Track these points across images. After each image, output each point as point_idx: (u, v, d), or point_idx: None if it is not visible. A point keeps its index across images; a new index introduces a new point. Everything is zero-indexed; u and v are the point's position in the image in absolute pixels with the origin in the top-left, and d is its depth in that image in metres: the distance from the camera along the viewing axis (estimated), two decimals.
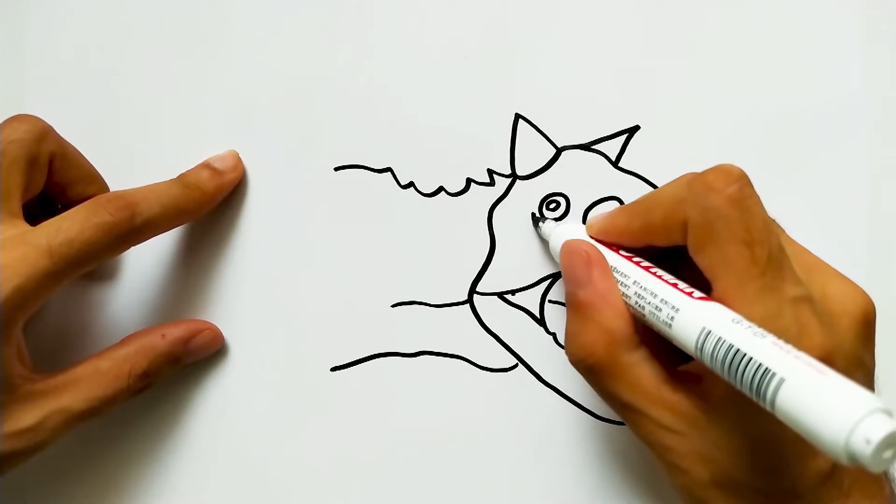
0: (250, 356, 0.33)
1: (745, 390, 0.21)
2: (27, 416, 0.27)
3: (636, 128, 0.32)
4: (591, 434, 0.32)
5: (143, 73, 0.34)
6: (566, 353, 0.27)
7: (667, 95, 0.32)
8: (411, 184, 0.33)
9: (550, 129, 0.32)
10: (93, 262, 0.28)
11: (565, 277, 0.28)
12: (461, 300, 0.32)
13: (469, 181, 0.33)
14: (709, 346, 0.22)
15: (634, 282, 0.26)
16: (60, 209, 0.29)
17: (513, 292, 0.32)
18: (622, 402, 0.25)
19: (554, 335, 0.32)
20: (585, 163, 0.32)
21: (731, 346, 0.22)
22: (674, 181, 0.26)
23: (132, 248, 0.33)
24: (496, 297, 0.32)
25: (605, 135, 0.32)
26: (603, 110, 0.32)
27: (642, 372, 0.25)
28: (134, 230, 0.28)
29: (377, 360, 0.33)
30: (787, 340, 0.22)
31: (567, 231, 0.30)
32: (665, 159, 0.32)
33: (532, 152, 0.32)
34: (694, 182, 0.24)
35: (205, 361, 0.33)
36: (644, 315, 0.25)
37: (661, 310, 0.25)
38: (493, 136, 0.32)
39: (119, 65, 0.34)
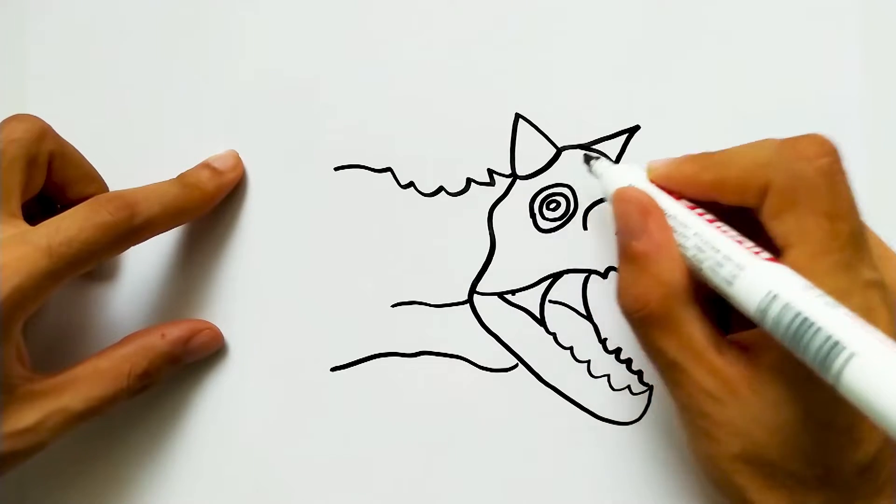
0: (250, 356, 0.33)
1: (809, 360, 0.20)
2: (27, 417, 0.27)
3: (636, 128, 0.32)
4: (592, 434, 0.32)
5: (142, 73, 0.34)
6: (618, 303, 0.26)
7: (667, 95, 0.32)
8: (411, 184, 0.33)
9: (550, 129, 0.32)
10: (92, 262, 0.28)
11: (619, 226, 0.26)
12: (461, 300, 0.32)
13: (469, 181, 0.32)
14: (773, 311, 0.21)
15: (695, 233, 0.25)
16: (60, 209, 0.29)
17: (513, 292, 0.32)
18: (668, 360, 0.25)
19: (554, 335, 0.32)
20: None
21: (798, 314, 0.21)
22: (757, 142, 0.25)
23: (132, 247, 0.33)
24: (496, 297, 0.32)
25: (605, 134, 0.32)
26: (603, 110, 0.32)
27: (694, 330, 0.24)
28: (133, 230, 0.28)
29: (377, 360, 0.33)
30: None
31: (623, 172, 0.28)
32: None
33: (532, 152, 0.32)
34: (783, 147, 0.24)
35: (204, 361, 0.33)
36: (701, 269, 0.24)
37: (722, 266, 0.23)
38: (493, 136, 0.32)
39: (119, 64, 0.34)
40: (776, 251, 0.24)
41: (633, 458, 0.31)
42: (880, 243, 0.25)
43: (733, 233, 0.24)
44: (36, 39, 0.35)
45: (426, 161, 0.33)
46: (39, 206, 0.32)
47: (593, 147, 0.32)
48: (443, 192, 0.33)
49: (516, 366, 0.32)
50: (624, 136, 0.32)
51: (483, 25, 0.32)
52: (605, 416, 0.32)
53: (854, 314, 0.20)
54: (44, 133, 0.30)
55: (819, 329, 0.20)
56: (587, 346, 0.32)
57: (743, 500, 0.24)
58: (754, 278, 0.22)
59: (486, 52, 0.32)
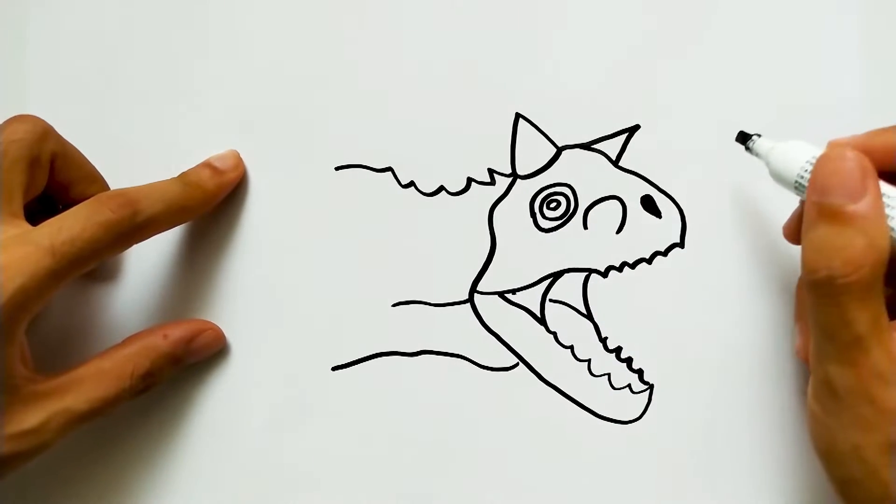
0: (251, 356, 0.33)
1: None
2: (30, 418, 0.27)
3: (636, 127, 0.32)
4: (592, 434, 0.32)
5: (143, 74, 0.34)
6: (811, 268, 0.24)
7: (667, 95, 0.32)
8: (412, 183, 0.33)
9: (551, 129, 0.32)
10: (95, 261, 0.28)
11: (826, 185, 0.24)
12: (462, 299, 0.33)
13: (469, 180, 0.32)
14: None
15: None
16: (61, 209, 0.29)
17: (513, 291, 0.32)
18: (856, 334, 0.23)
19: (555, 334, 0.32)
20: (586, 162, 0.32)
21: None
22: None
23: (133, 248, 0.33)
24: (497, 296, 0.32)
25: (606, 134, 0.32)
26: (603, 109, 0.32)
27: (882, 306, 0.24)
28: (136, 228, 0.28)
29: (378, 359, 0.33)
30: None
31: (796, 148, 0.27)
32: (665, 158, 0.32)
33: (532, 151, 0.32)
34: None
35: (206, 361, 0.33)
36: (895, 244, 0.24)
37: None
38: (493, 136, 0.32)
39: (119, 65, 0.34)
40: None
41: (633, 457, 0.32)
42: None
43: None
44: (36, 39, 0.34)
45: (427, 161, 0.33)
46: (41, 207, 0.32)
47: (593, 147, 0.32)
48: (443, 191, 0.33)
49: (517, 365, 0.32)
50: (624, 136, 0.32)
51: (483, 25, 0.32)
52: (606, 415, 0.32)
53: None
54: (46, 134, 0.30)
55: None
56: (587, 345, 0.32)
57: (886, 496, 0.24)
58: None
59: (487, 51, 0.32)
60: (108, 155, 0.33)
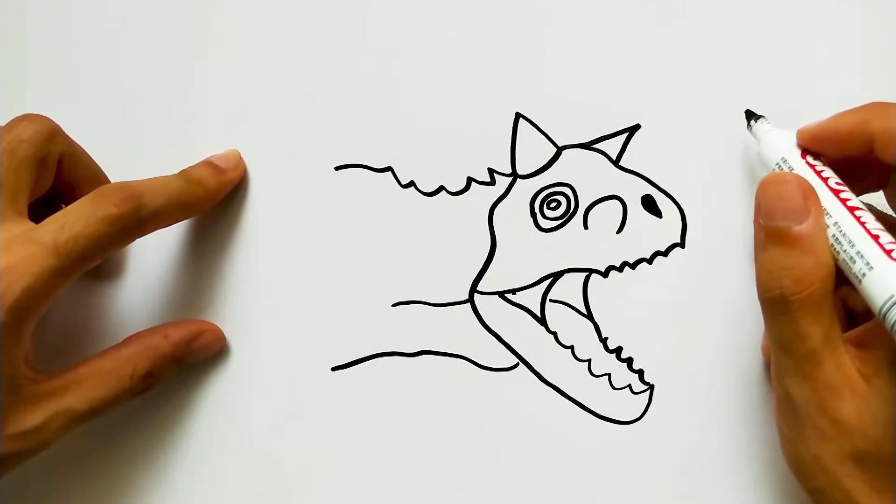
0: (251, 355, 0.33)
1: None
2: (31, 418, 0.28)
3: (637, 127, 0.32)
4: (592, 433, 0.32)
5: (144, 73, 0.34)
6: (765, 288, 0.25)
7: (667, 94, 0.32)
8: (412, 183, 0.33)
9: (551, 128, 0.32)
10: (100, 257, 0.28)
11: (771, 209, 0.25)
12: (462, 299, 0.33)
13: (470, 180, 0.32)
14: (892, 316, 0.22)
15: (835, 223, 0.25)
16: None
17: (513, 291, 0.32)
18: (809, 348, 0.24)
19: (555, 334, 0.32)
20: (586, 162, 0.32)
21: None
22: None
23: (134, 248, 0.33)
24: (497, 296, 0.32)
25: (606, 134, 0.32)
26: (603, 109, 0.32)
27: (834, 319, 0.24)
28: (140, 222, 0.28)
29: (378, 359, 0.33)
30: None
31: (778, 140, 0.28)
32: (666, 158, 0.32)
33: (533, 151, 0.32)
34: None
35: (207, 362, 0.33)
36: (837, 260, 0.25)
37: (854, 262, 0.24)
38: (493, 136, 0.32)
39: (119, 65, 0.34)
40: None
41: (633, 457, 0.31)
42: None
43: (873, 224, 0.24)
44: (36, 39, 0.34)
45: (427, 160, 0.33)
46: (44, 206, 0.32)
47: (593, 147, 0.32)
48: (443, 191, 0.33)
49: (517, 365, 0.32)
50: (624, 136, 0.32)
51: (483, 25, 0.32)
52: (606, 416, 0.32)
53: None
54: (54, 134, 0.30)
55: None
56: (588, 345, 0.32)
57: None
58: (881, 279, 0.23)
59: (487, 51, 0.32)
60: (108, 155, 0.33)
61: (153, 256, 0.34)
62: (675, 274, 0.32)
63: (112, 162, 0.33)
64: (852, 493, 0.24)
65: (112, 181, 0.33)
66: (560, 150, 0.32)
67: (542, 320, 0.32)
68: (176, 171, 0.31)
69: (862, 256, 0.24)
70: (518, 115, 0.32)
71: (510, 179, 0.32)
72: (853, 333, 0.26)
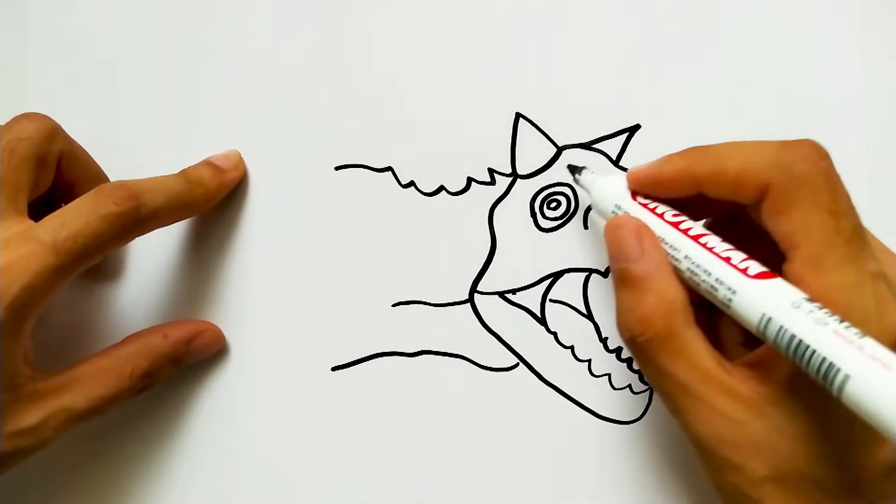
0: (251, 356, 0.33)
1: (814, 377, 0.21)
2: (29, 416, 0.28)
3: (637, 127, 0.32)
4: (592, 433, 0.32)
5: (144, 73, 0.34)
6: (620, 331, 0.26)
7: (667, 94, 0.32)
8: (412, 183, 0.33)
9: (551, 128, 0.32)
10: (99, 255, 0.28)
11: (613, 253, 0.26)
12: (462, 299, 0.32)
13: (470, 180, 0.32)
14: (771, 332, 0.22)
15: (686, 256, 0.25)
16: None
17: (514, 291, 0.32)
18: (678, 384, 0.24)
19: (555, 334, 0.32)
20: (586, 162, 0.32)
21: (793, 336, 0.21)
22: (754, 142, 0.25)
23: (133, 247, 0.33)
24: (497, 296, 0.32)
25: (606, 134, 0.32)
26: (603, 109, 0.32)
27: (700, 349, 0.24)
28: (139, 221, 0.28)
29: (378, 359, 0.33)
30: (864, 315, 0.21)
31: (611, 184, 0.28)
32: None
33: (533, 151, 0.32)
34: (785, 148, 0.24)
35: (206, 361, 0.33)
36: (699, 290, 0.25)
37: (717, 290, 0.24)
38: (493, 135, 0.32)
39: (120, 64, 0.34)
40: (768, 250, 0.24)
41: (634, 457, 0.31)
42: (875, 239, 0.26)
43: (720, 246, 0.25)
44: (36, 39, 0.35)
45: (427, 160, 0.33)
46: (43, 205, 0.32)
47: (594, 147, 0.32)
48: (443, 191, 0.33)
49: (517, 365, 0.32)
50: (625, 136, 0.32)
51: (483, 25, 0.32)
52: (606, 416, 0.32)
53: (846, 327, 0.21)
54: (54, 132, 0.30)
55: (814, 350, 0.21)
56: (588, 345, 0.32)
57: None
58: (748, 301, 0.23)
59: (487, 51, 0.32)
60: (109, 154, 0.33)
61: (153, 256, 0.34)
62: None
63: (112, 162, 0.33)
64: None
65: (112, 180, 0.33)
66: (560, 150, 0.32)
67: (542, 320, 0.32)
68: (176, 171, 0.32)
69: (722, 283, 0.24)
70: (518, 115, 0.32)
71: (510, 179, 0.32)
72: (751, 356, 0.25)
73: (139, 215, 0.28)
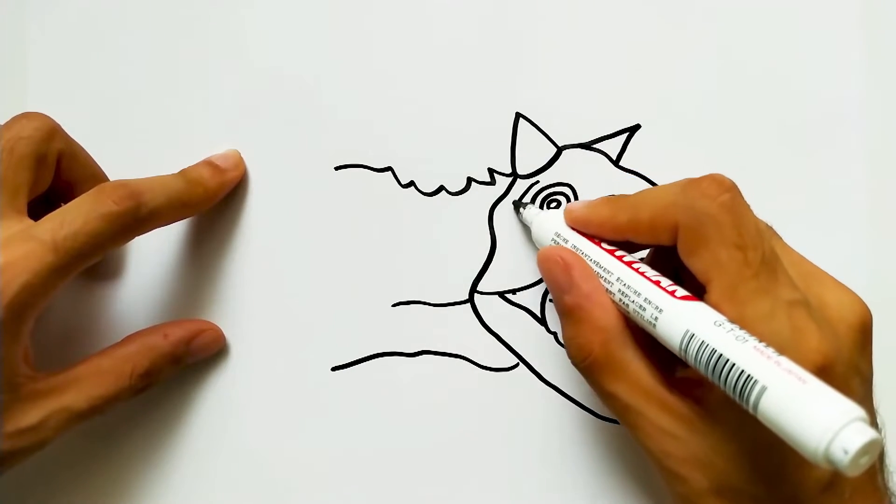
0: (251, 356, 0.33)
1: (730, 393, 0.21)
2: (29, 416, 0.28)
3: (637, 127, 0.32)
4: (592, 434, 0.32)
5: (143, 73, 0.34)
6: (568, 356, 0.27)
7: (667, 94, 0.32)
8: (412, 183, 0.33)
9: (551, 128, 0.32)
10: (99, 254, 0.28)
11: (548, 286, 0.28)
12: (462, 299, 0.32)
13: (470, 180, 0.32)
14: (692, 349, 0.23)
15: (618, 279, 0.26)
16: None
17: (514, 291, 0.32)
18: (622, 403, 0.25)
19: (555, 334, 0.32)
20: (586, 162, 0.32)
21: (713, 351, 0.22)
22: (665, 185, 0.26)
23: (133, 247, 0.33)
24: (497, 296, 0.32)
25: (606, 133, 0.32)
26: (604, 109, 0.32)
27: (639, 371, 0.25)
28: (139, 220, 0.28)
29: (378, 359, 0.33)
30: (781, 343, 0.22)
31: (548, 218, 0.30)
32: (666, 158, 0.32)
33: (533, 151, 0.32)
34: (687, 187, 0.25)
35: (206, 361, 0.33)
36: (628, 312, 0.26)
37: (644, 309, 0.25)
38: (493, 135, 0.32)
39: (119, 64, 0.34)
40: (700, 286, 0.25)
41: (634, 456, 0.31)
42: (801, 261, 0.26)
43: (651, 272, 0.26)
44: (37, 38, 0.35)
45: (427, 160, 0.33)
46: (43, 205, 0.32)
47: (594, 147, 0.32)
48: (443, 191, 0.33)
49: (517, 365, 0.32)
50: (625, 136, 0.32)
51: (483, 24, 0.32)
52: (606, 416, 0.32)
53: (762, 345, 0.21)
54: (53, 132, 0.30)
55: (733, 364, 0.21)
56: None
57: None
58: (672, 318, 0.24)
59: (487, 51, 0.32)
60: (108, 154, 0.33)
61: (153, 256, 0.34)
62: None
63: (112, 161, 0.33)
64: None
65: (111, 180, 0.33)
66: (560, 150, 0.32)
67: (542, 320, 0.32)
68: (176, 171, 0.32)
69: (650, 302, 0.25)
70: (518, 115, 0.32)
71: (510, 179, 0.32)
72: (689, 372, 0.26)
73: (139, 215, 0.28)
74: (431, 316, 0.33)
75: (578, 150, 0.32)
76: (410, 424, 0.32)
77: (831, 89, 0.31)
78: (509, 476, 0.32)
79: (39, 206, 0.31)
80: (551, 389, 0.32)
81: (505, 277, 0.32)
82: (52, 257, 0.27)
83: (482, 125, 0.32)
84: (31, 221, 0.28)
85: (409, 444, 0.32)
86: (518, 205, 0.32)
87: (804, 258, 0.26)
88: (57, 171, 0.30)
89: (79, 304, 0.34)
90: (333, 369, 0.33)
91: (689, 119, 0.32)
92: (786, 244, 0.26)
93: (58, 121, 0.30)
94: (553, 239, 0.29)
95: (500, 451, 0.32)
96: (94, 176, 0.32)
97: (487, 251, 0.32)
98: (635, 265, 0.26)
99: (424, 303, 0.33)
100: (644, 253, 0.29)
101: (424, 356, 0.33)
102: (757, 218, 0.25)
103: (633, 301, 0.25)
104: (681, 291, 0.24)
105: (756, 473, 0.24)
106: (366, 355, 0.33)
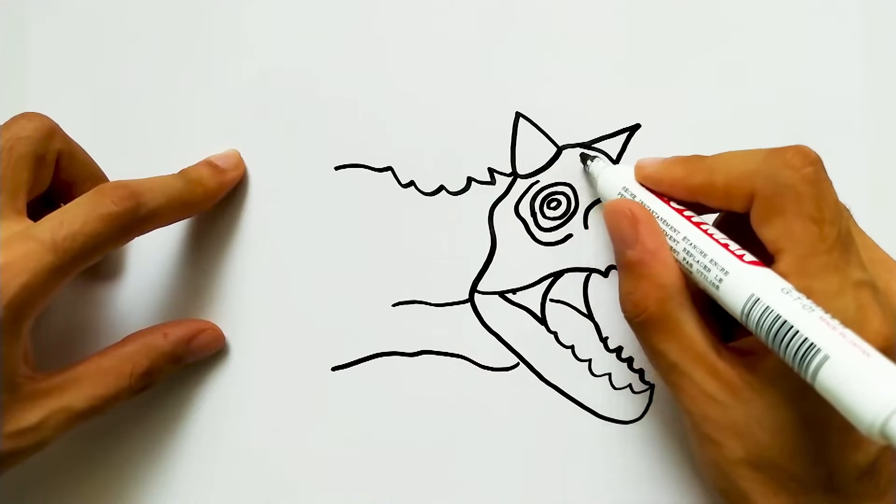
0: (251, 356, 0.33)
1: (789, 361, 0.21)
2: (29, 416, 0.28)
3: (637, 126, 0.32)
4: (593, 433, 0.32)
5: (143, 73, 0.34)
6: (622, 311, 0.27)
7: (667, 94, 0.32)
8: (412, 183, 0.33)
9: (551, 128, 0.32)
10: (98, 255, 0.28)
11: (612, 238, 0.27)
12: (462, 299, 0.32)
13: (470, 180, 0.32)
14: (755, 314, 0.22)
15: (684, 238, 0.26)
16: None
17: (514, 291, 0.32)
18: (669, 363, 0.25)
19: (555, 334, 0.32)
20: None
21: (778, 317, 0.22)
22: (745, 151, 0.26)
23: (133, 247, 0.33)
24: (497, 296, 0.32)
25: (606, 133, 0.32)
26: (603, 109, 0.32)
27: (693, 332, 0.25)
28: (138, 221, 0.28)
29: (378, 359, 0.33)
30: (845, 321, 0.21)
31: (617, 173, 0.29)
32: None
33: (533, 151, 0.32)
34: (770, 156, 0.24)
35: (206, 361, 0.33)
36: (691, 273, 0.25)
37: (709, 270, 0.24)
38: (493, 135, 0.32)
39: (120, 64, 0.34)
40: (768, 255, 0.24)
41: (634, 456, 0.31)
42: (873, 246, 0.26)
43: (720, 235, 0.25)
44: (37, 38, 0.35)
45: (427, 160, 0.33)
46: (42, 205, 0.32)
47: (594, 146, 0.32)
48: (443, 191, 0.33)
49: (517, 365, 0.32)
50: (625, 135, 0.32)
51: (483, 24, 0.32)
52: (607, 415, 0.32)
53: (830, 317, 0.21)
54: (52, 132, 0.30)
55: (797, 332, 0.21)
56: (588, 344, 0.32)
57: None
58: (738, 282, 0.23)
59: (487, 50, 0.32)
60: (108, 154, 0.33)
61: (153, 256, 0.34)
62: None
63: (112, 161, 0.33)
64: (749, 496, 0.24)
65: (111, 180, 0.33)
66: (560, 149, 0.32)
67: (542, 320, 0.32)
68: (176, 171, 0.31)
69: (716, 264, 0.24)
70: (518, 115, 0.32)
71: (510, 179, 0.32)
72: (745, 341, 0.26)
73: (138, 215, 0.28)
74: (431, 316, 0.33)
75: (578, 149, 0.32)
76: (410, 424, 0.32)
77: (832, 89, 0.31)
78: (509, 476, 0.32)
79: (39, 206, 0.31)
80: (551, 389, 0.32)
81: (505, 277, 0.32)
82: (52, 257, 0.27)
83: (482, 125, 0.32)
84: (30, 222, 0.28)
85: (409, 443, 0.32)
86: (585, 157, 0.31)
87: (876, 244, 0.26)
88: (56, 171, 0.30)
89: (79, 304, 0.34)
90: (333, 369, 0.33)
91: (689, 119, 0.32)
92: (860, 228, 0.26)
93: (58, 121, 0.30)
94: (620, 193, 0.29)
95: (500, 450, 0.32)
96: (94, 176, 0.32)
97: (487, 251, 0.32)
98: (704, 226, 0.26)
99: (424, 302, 0.33)
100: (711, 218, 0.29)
101: (424, 356, 0.33)
102: (836, 195, 0.24)
103: (698, 261, 0.25)
104: (749, 256, 0.24)
105: (795, 449, 0.23)
106: (366, 355, 0.33)
